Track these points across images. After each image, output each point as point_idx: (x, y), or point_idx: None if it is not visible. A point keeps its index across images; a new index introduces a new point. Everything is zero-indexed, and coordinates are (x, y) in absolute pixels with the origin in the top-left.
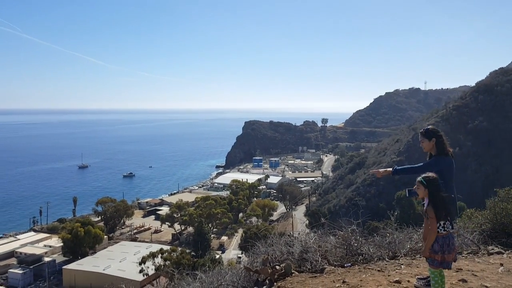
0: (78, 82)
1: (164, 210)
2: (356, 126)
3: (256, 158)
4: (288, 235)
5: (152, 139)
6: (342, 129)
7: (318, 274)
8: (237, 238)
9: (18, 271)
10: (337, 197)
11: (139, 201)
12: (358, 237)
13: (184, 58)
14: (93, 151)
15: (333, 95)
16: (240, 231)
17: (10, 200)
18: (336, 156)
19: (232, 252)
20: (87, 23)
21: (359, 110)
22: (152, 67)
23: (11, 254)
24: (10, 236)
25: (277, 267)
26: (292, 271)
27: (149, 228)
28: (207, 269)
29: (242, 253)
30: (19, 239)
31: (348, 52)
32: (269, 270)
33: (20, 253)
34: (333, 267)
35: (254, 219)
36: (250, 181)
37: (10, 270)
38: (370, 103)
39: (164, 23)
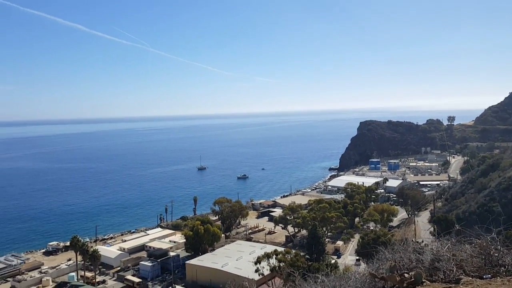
0: (197, 89)
1: (277, 212)
2: (489, 124)
3: (373, 160)
4: (417, 242)
5: (265, 142)
6: (472, 128)
7: (453, 285)
8: (353, 244)
9: (148, 263)
10: (467, 202)
11: (253, 202)
12: (499, 246)
13: (297, 61)
14: (210, 153)
15: (460, 90)
16: (357, 236)
17: (143, 198)
18: (465, 158)
19: (348, 258)
20: (204, 34)
21: (492, 106)
22: (266, 72)
23: (142, 247)
24: (141, 231)
25: (406, 275)
26: (423, 280)
27: (263, 229)
28: (324, 273)
29: (359, 259)
30: (148, 234)
31: (476, 42)
32: (397, 278)
33: (149, 247)
34: (470, 278)
35: (371, 224)
36: (366, 184)
37: (141, 262)
38: (505, 98)
39: (274, 29)
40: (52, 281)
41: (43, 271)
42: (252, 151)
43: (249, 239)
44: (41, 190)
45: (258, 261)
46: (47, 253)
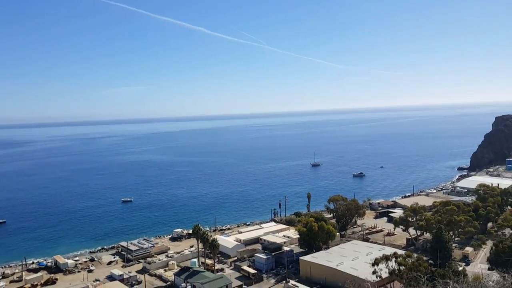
0: (312, 84)
1: (397, 213)
2: None
3: (510, 159)
4: None
5: (384, 138)
6: None
7: None
8: (485, 251)
9: (263, 256)
10: None
11: (370, 202)
12: None
13: (420, 50)
14: (324, 150)
15: None
16: (489, 243)
17: (258, 192)
18: None
19: (479, 265)
20: (317, 28)
21: None
22: (385, 64)
23: (256, 240)
24: (256, 224)
25: None
26: None
27: (381, 230)
28: (455, 279)
29: (493, 268)
30: (263, 228)
31: None
32: None
33: (264, 240)
34: None
35: (507, 230)
36: (502, 186)
37: (256, 254)
38: None
39: (390, 18)
40: (177, 265)
41: (169, 255)
42: (369, 148)
43: (366, 240)
44: (169, 181)
45: (375, 262)
46: (173, 239)
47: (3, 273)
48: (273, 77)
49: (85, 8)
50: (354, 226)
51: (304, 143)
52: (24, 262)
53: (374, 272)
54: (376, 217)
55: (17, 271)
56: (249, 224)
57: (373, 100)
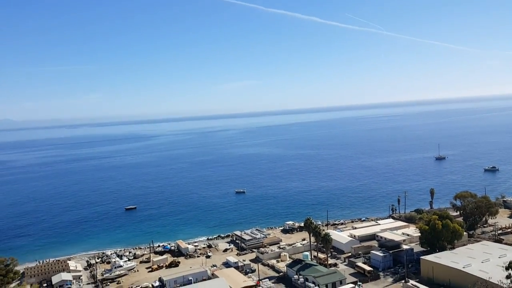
0: (435, 71)
1: None
2: None
3: None
4: None
5: None
6: None
7: None
8: None
9: (379, 253)
10: None
11: (504, 199)
12: None
13: None
14: (450, 142)
15: None
16: None
17: (375, 187)
18: None
19: None
20: (443, 8)
21: None
22: None
23: (372, 236)
24: (372, 220)
25: None
26: None
27: None
28: None
29: None
30: (379, 224)
31: None
32: None
33: (381, 237)
34: None
35: None
36: None
37: (372, 251)
38: None
39: None
40: (289, 257)
41: (281, 246)
42: (504, 139)
43: (499, 241)
44: (281, 173)
45: (510, 266)
46: (284, 231)
47: (135, 254)
48: (392, 65)
49: (202, 9)
50: (485, 225)
51: (426, 135)
52: (151, 245)
53: (508, 277)
54: (511, 216)
55: (145, 252)
56: (364, 220)
57: (508, 85)
